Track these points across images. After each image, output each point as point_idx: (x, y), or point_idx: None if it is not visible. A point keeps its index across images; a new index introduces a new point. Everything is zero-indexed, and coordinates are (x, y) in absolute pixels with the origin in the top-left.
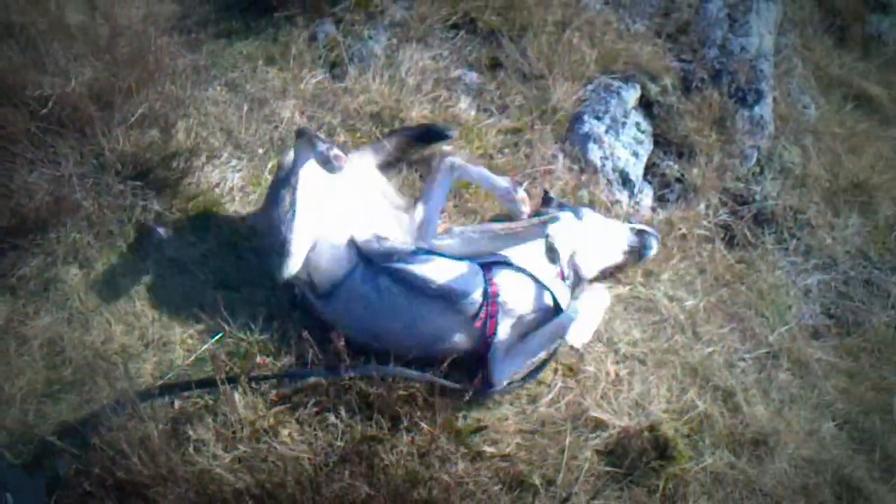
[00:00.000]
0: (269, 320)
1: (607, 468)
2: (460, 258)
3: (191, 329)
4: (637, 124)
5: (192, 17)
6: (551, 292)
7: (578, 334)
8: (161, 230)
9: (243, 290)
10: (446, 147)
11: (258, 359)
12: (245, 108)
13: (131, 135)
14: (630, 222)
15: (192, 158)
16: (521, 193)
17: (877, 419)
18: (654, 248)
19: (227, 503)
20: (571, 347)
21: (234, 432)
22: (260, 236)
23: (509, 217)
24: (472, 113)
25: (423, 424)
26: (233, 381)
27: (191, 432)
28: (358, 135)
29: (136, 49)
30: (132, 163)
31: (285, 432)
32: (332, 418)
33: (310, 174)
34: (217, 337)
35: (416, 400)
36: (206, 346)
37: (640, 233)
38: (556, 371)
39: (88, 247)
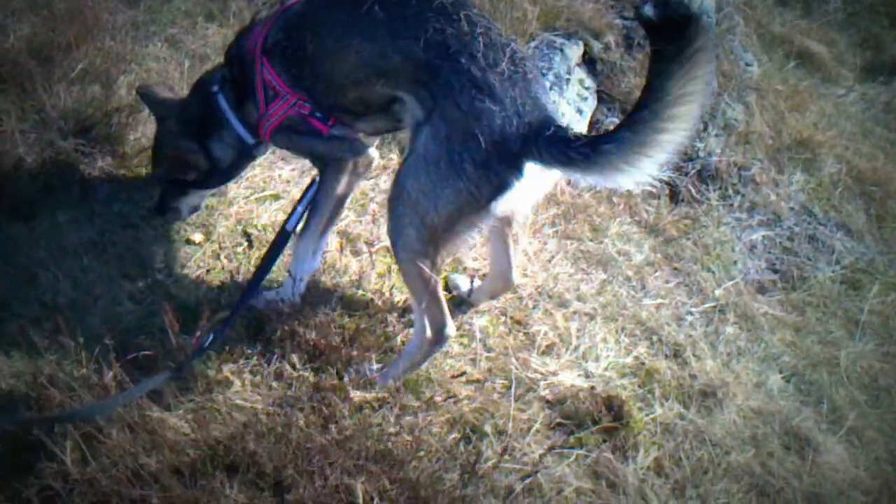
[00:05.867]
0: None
1: (559, 419)
2: None
3: (139, 283)
4: (581, 81)
5: None
6: None
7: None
8: None
9: (190, 245)
10: None
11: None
12: (186, 64)
13: (72, 91)
14: None
15: (135, 114)
16: None
17: (824, 372)
18: None
19: (183, 452)
20: None
21: (187, 384)
22: None
23: None
24: None
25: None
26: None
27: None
28: None
29: (73, 4)
30: (74, 119)
31: (238, 383)
32: (285, 368)
33: None
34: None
35: (364, 348)
36: (152, 300)
37: None
38: (504, 323)
39: (33, 202)
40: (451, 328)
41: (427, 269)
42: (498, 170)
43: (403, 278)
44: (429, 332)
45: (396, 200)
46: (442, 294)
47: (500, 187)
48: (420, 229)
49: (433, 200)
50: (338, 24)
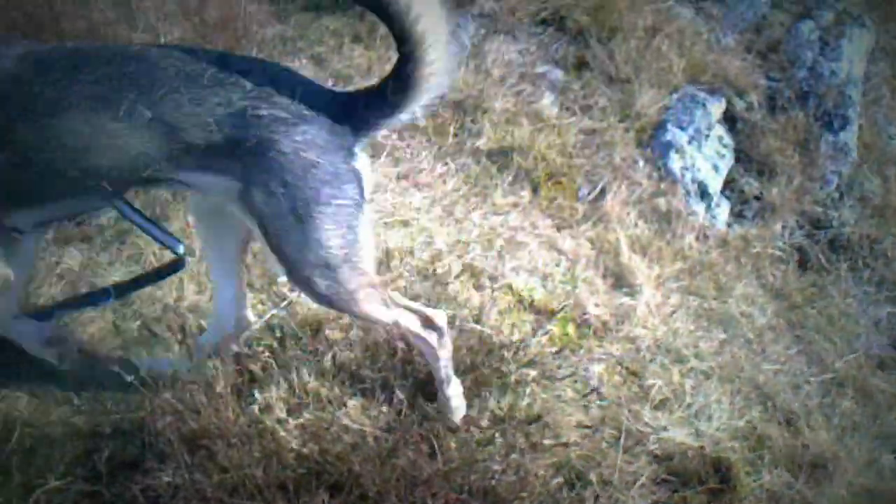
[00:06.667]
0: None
1: (665, 475)
2: None
3: (262, 294)
4: (720, 138)
5: None
6: None
7: None
8: None
9: None
10: None
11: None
12: (330, 83)
13: None
14: None
15: None
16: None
17: None
18: None
19: (290, 467)
20: None
21: (299, 399)
22: None
23: None
24: (555, 110)
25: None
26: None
27: (257, 395)
28: (439, 120)
29: (225, 14)
30: None
31: (351, 403)
32: (397, 393)
33: None
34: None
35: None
36: (273, 312)
37: None
38: (619, 373)
39: (165, 204)
40: (438, 315)
41: (376, 294)
42: (348, 166)
43: (364, 320)
44: (432, 339)
45: (306, 270)
46: (401, 298)
47: (358, 177)
48: (345, 274)
49: (326, 242)
50: (95, 113)
